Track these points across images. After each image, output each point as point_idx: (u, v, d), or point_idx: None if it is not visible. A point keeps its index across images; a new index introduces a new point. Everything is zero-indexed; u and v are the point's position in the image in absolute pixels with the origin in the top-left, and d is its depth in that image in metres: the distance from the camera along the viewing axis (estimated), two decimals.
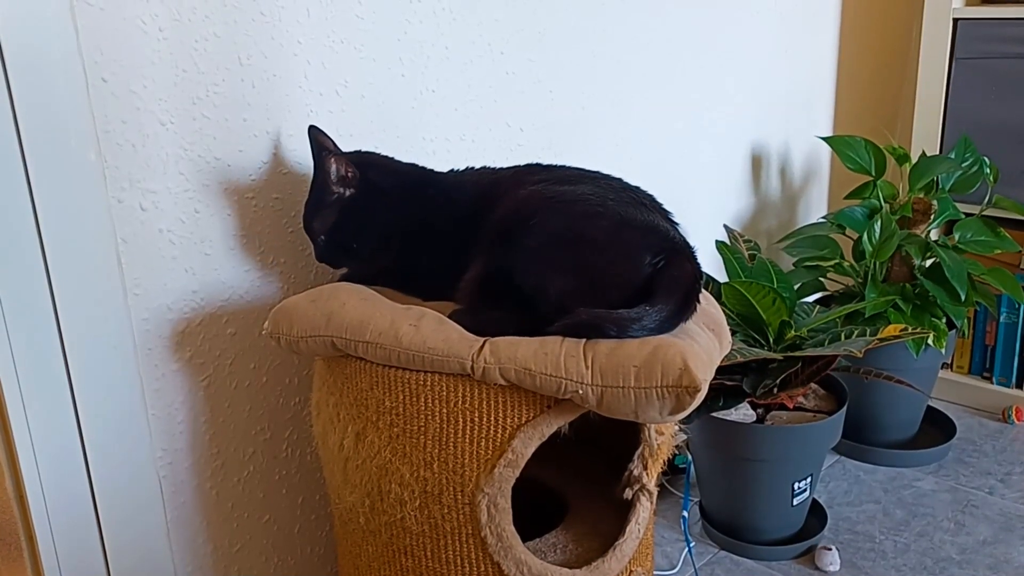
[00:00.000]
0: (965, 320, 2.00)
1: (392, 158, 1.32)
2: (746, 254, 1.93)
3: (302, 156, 1.34)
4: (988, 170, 2.09)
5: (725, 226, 2.08)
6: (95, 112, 1.12)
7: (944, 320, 1.97)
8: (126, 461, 1.23)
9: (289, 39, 1.28)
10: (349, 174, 1.24)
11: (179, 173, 1.22)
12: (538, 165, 1.29)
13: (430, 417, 1.09)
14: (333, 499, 1.25)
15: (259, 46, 1.25)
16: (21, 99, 1.05)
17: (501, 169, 1.32)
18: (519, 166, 1.30)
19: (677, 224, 1.20)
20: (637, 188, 1.23)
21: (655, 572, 1.68)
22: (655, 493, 1.26)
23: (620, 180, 1.24)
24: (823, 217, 2.31)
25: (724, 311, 1.31)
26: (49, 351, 1.14)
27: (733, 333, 1.49)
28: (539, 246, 1.13)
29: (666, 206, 1.23)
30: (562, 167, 1.28)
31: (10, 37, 1.03)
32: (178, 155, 1.21)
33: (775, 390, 1.68)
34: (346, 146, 1.30)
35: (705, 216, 2.12)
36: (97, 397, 1.18)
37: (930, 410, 2.21)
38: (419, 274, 1.27)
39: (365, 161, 1.27)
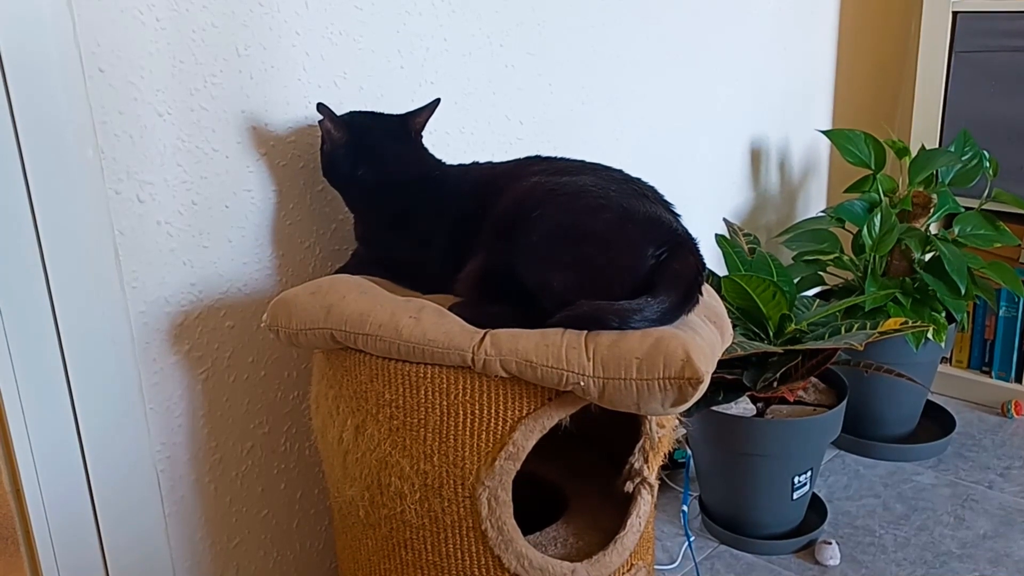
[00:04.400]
0: (964, 314, 2.00)
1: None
2: (746, 248, 1.92)
3: (300, 148, 1.33)
4: (988, 164, 2.09)
5: (725, 220, 2.08)
6: (92, 103, 1.11)
7: (944, 314, 1.97)
8: (123, 455, 1.22)
9: (287, 30, 1.27)
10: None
11: (177, 164, 1.21)
12: (538, 157, 1.29)
13: (430, 410, 1.08)
14: (332, 493, 1.24)
15: (257, 37, 1.25)
16: (18, 90, 1.05)
17: (502, 162, 1.31)
18: (520, 158, 1.30)
19: (679, 216, 1.20)
20: (638, 179, 1.22)
21: (655, 566, 1.67)
22: (656, 487, 1.26)
23: (621, 171, 1.23)
24: (823, 211, 2.31)
25: (724, 305, 1.30)
26: (46, 344, 1.13)
27: (733, 327, 1.48)
28: (541, 241, 1.12)
29: (667, 198, 1.22)
30: (563, 159, 1.27)
31: (7, 27, 1.02)
32: (176, 146, 1.20)
33: (775, 384, 1.67)
34: None
35: (705, 210, 2.12)
36: (94, 391, 1.18)
37: (929, 404, 2.21)
38: (419, 267, 1.26)
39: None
